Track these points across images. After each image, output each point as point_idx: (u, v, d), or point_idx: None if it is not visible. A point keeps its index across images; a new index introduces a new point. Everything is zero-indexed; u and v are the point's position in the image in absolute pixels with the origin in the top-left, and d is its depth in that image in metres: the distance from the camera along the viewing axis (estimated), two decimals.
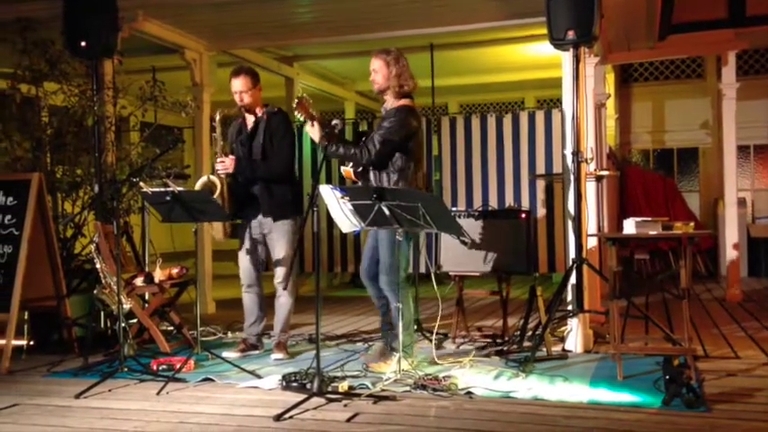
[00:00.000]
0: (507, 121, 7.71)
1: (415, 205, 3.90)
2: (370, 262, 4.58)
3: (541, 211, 7.50)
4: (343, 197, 4.02)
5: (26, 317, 5.35)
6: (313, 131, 4.40)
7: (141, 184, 4.72)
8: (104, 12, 5.62)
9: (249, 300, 5.08)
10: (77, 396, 4.01)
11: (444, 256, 5.42)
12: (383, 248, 4.42)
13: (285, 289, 4.95)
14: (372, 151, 4.33)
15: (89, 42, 5.61)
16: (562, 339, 5.14)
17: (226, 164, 4.84)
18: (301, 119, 4.38)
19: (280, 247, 4.91)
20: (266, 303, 5.12)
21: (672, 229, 4.46)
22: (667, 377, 3.71)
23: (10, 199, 5.18)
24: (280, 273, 4.93)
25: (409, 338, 4.44)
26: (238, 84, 4.87)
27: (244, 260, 5.02)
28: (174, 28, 6.87)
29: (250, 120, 5.01)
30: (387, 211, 3.97)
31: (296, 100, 4.34)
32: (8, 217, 5.14)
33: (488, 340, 5.37)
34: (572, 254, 5.04)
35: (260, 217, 4.92)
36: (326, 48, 8.81)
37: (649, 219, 4.53)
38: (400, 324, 4.22)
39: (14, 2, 6.00)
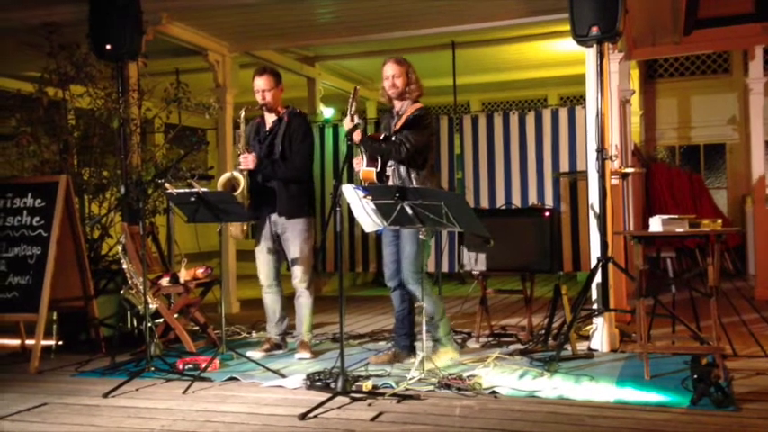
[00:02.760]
0: (530, 118, 7.67)
1: (437, 204, 3.89)
2: (396, 267, 4.62)
3: (565, 210, 7.45)
4: (365, 197, 4.03)
5: (54, 317, 5.44)
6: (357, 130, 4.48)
7: (166, 185, 4.76)
8: (129, 15, 5.68)
9: (270, 300, 5.11)
10: (105, 395, 4.06)
11: (467, 255, 5.40)
12: (408, 245, 4.46)
13: (304, 288, 4.97)
14: (410, 147, 4.43)
15: (114, 45, 5.68)
16: (587, 338, 5.09)
17: (248, 161, 4.88)
18: (352, 109, 4.47)
19: (295, 247, 4.94)
20: (287, 302, 5.15)
21: (699, 227, 4.41)
22: (695, 376, 3.66)
23: (38, 201, 5.26)
24: (297, 272, 4.96)
25: (447, 327, 4.60)
26: (261, 82, 4.93)
27: (261, 260, 5.06)
28: (197, 30, 6.93)
29: (269, 119, 5.05)
30: (409, 211, 3.97)
31: (355, 88, 4.60)
32: (36, 219, 5.22)
33: (512, 339, 5.35)
34: (597, 252, 5.00)
35: (274, 216, 4.96)
36: (348, 48, 8.83)
37: (676, 216, 4.48)
38: (424, 321, 4.22)
39: (41, 6, 6.08)
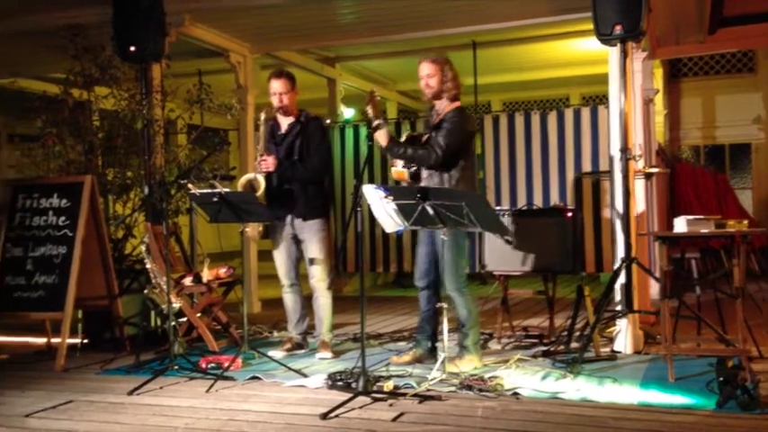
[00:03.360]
0: (552, 118, 7.62)
1: (459, 204, 3.88)
2: (428, 267, 4.57)
3: (588, 210, 7.39)
4: (386, 197, 4.03)
5: (80, 316, 5.50)
6: (380, 133, 4.42)
7: (189, 185, 4.80)
8: (152, 17, 5.73)
9: (290, 299, 5.14)
10: (130, 393, 4.11)
11: (489, 256, 5.38)
12: (447, 251, 4.36)
13: (323, 288, 4.98)
14: (440, 152, 4.35)
15: (138, 47, 5.73)
16: (611, 340, 5.05)
17: (268, 162, 4.91)
18: (370, 113, 4.39)
19: (312, 247, 4.96)
20: (307, 302, 5.17)
21: (725, 227, 4.35)
22: (721, 379, 3.62)
23: (64, 201, 5.32)
24: (315, 272, 4.97)
25: (476, 336, 4.54)
26: (278, 85, 4.95)
27: (280, 260, 5.08)
28: (220, 32, 6.98)
29: (284, 122, 5.07)
30: (431, 211, 3.96)
31: (369, 93, 4.44)
32: (62, 218, 5.28)
33: (534, 340, 5.32)
34: (620, 253, 4.95)
35: (292, 217, 4.98)
36: (368, 48, 8.84)
37: (701, 217, 4.43)
38: (445, 321, 4.20)
39: (66, 8, 6.15)
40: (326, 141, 5.11)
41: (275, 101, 4.98)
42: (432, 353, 4.66)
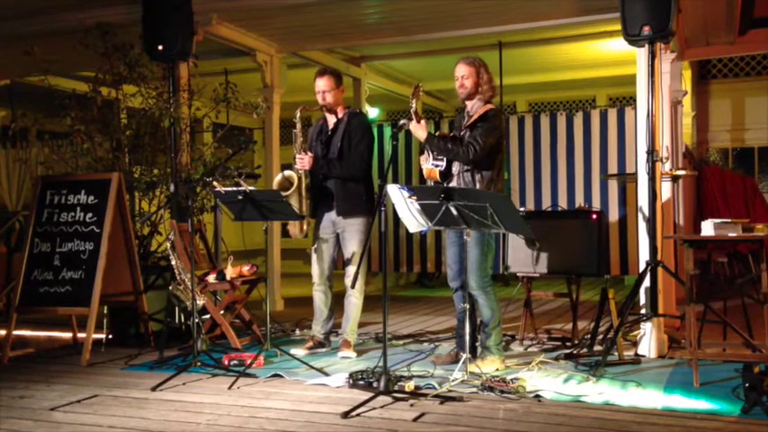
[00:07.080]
0: (578, 119, 7.57)
1: (482, 205, 3.87)
2: (459, 267, 4.55)
3: (614, 212, 7.33)
4: (410, 197, 4.03)
5: (105, 311, 5.57)
6: (419, 126, 4.47)
7: (215, 183, 4.84)
8: (181, 16, 5.79)
9: (319, 298, 5.14)
10: (153, 389, 4.15)
11: (512, 257, 5.35)
12: (473, 249, 4.38)
13: (355, 288, 4.98)
14: (478, 149, 4.38)
15: (166, 46, 5.79)
16: (635, 344, 5.00)
17: (304, 161, 4.93)
18: (414, 106, 4.43)
19: (351, 246, 4.96)
20: (335, 302, 5.18)
21: (753, 231, 4.29)
22: (747, 384, 3.56)
23: (91, 198, 5.39)
24: (351, 271, 4.97)
25: (498, 337, 4.53)
26: (322, 83, 4.98)
27: (315, 258, 5.09)
28: (247, 31, 7.02)
29: (331, 120, 5.11)
30: (454, 211, 3.96)
31: (415, 86, 4.51)
32: (89, 215, 5.35)
33: (557, 343, 5.28)
34: (646, 256, 4.90)
35: (333, 215, 4.99)
36: (394, 48, 8.84)
37: (729, 220, 4.37)
38: (467, 324, 4.19)
39: (96, 8, 6.24)
40: (367, 138, 5.05)
41: (319, 99, 5.02)
42: (472, 351, 4.62)
